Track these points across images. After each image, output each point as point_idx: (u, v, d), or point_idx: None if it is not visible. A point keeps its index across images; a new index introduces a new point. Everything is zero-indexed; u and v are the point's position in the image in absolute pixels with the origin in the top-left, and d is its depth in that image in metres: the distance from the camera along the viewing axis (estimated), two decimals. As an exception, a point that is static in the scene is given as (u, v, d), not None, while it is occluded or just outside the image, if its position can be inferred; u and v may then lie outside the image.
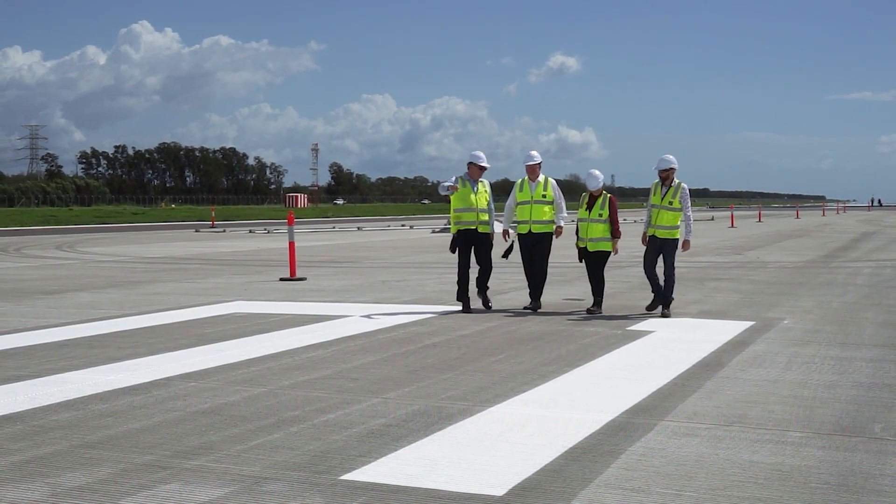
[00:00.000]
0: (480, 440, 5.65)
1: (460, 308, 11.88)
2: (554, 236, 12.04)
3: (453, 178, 12.03)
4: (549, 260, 12.05)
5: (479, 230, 11.90)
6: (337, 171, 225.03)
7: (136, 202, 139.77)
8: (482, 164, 12.01)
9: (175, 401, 6.83)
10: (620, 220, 11.97)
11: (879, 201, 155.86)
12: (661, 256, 11.57)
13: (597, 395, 6.89)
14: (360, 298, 13.74)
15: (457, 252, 12.01)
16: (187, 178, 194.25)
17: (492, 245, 12.01)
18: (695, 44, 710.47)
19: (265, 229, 46.12)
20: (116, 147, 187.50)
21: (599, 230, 11.60)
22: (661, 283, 11.52)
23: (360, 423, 6.11)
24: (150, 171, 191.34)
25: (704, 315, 11.50)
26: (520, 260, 12.31)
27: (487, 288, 12.14)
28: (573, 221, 12.17)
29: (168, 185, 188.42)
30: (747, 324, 10.61)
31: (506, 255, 12.16)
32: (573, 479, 4.88)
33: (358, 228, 47.61)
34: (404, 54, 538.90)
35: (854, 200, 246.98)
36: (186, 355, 8.81)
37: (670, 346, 9.14)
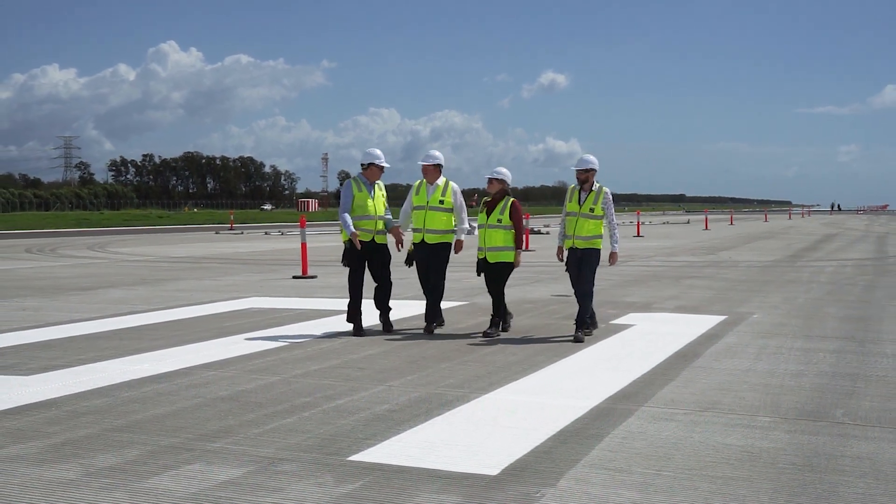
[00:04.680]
0: (476, 424, 5.64)
1: (351, 330, 9.53)
2: (453, 251, 9.67)
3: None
4: (449, 272, 9.86)
5: (377, 240, 9.48)
6: (345, 178, 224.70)
7: (162, 207, 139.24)
8: (384, 164, 9.59)
9: (197, 388, 6.82)
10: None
11: (839, 206, 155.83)
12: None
13: (582, 384, 6.88)
14: (366, 294, 13.69)
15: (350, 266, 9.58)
16: (208, 185, 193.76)
17: (390, 257, 9.68)
18: (674, 62, 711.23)
19: (279, 231, 46.05)
20: (144, 156, 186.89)
21: (499, 238, 9.28)
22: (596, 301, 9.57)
23: (366, 408, 6.11)
24: (175, 178, 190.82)
25: (681, 310, 11.48)
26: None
27: (389, 309, 9.81)
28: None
29: (191, 191, 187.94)
30: (720, 318, 10.61)
31: (408, 262, 9.91)
32: (561, 459, 4.88)
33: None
34: (408, 71, 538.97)
35: (818, 205, 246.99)
36: (207, 346, 8.79)
37: (650, 338, 9.13)
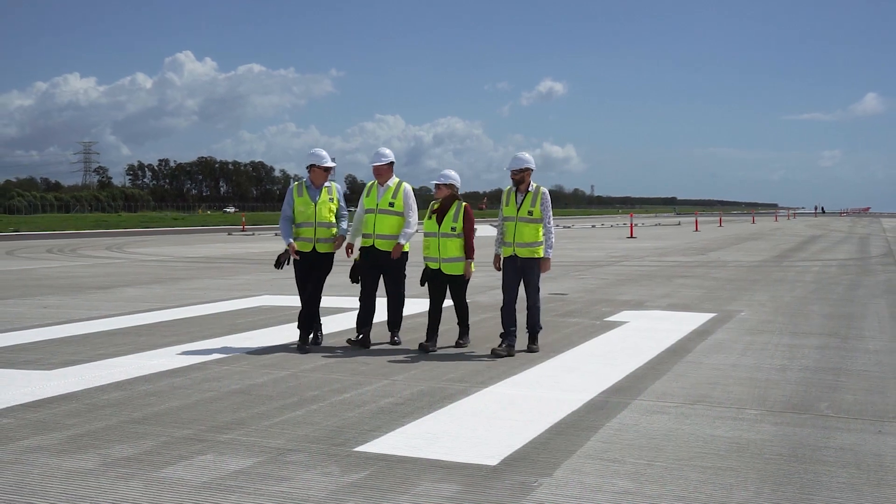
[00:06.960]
0: (476, 417, 5.64)
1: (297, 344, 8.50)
2: (392, 255, 8.41)
3: (286, 205, 8.52)
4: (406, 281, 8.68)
5: (318, 249, 8.42)
6: (351, 182, 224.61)
7: (176, 209, 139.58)
8: (327, 165, 8.44)
9: (210, 382, 6.83)
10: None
11: (823, 208, 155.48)
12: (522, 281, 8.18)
13: (578, 378, 6.88)
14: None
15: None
16: (221, 188, 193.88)
17: (330, 268, 8.57)
18: (666, 71, 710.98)
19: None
20: (160, 161, 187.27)
21: (455, 247, 8.22)
22: (526, 318, 8.36)
23: (372, 401, 6.11)
24: (189, 182, 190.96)
25: (672, 307, 11.48)
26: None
27: (319, 326, 8.73)
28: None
29: (204, 194, 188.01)
30: (709, 315, 10.60)
31: (352, 277, 8.80)
32: (558, 450, 4.88)
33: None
34: (413, 80, 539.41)
35: (802, 208, 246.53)
36: (220, 342, 8.79)
37: (642, 334, 9.13)
